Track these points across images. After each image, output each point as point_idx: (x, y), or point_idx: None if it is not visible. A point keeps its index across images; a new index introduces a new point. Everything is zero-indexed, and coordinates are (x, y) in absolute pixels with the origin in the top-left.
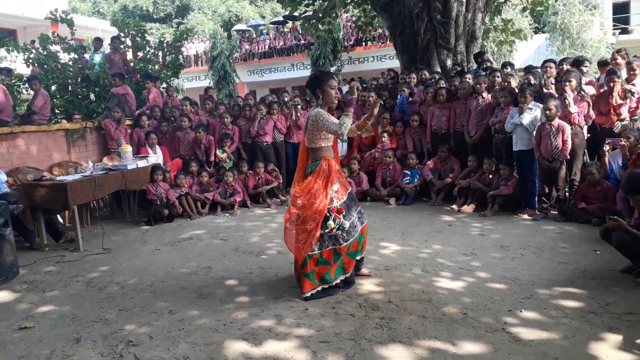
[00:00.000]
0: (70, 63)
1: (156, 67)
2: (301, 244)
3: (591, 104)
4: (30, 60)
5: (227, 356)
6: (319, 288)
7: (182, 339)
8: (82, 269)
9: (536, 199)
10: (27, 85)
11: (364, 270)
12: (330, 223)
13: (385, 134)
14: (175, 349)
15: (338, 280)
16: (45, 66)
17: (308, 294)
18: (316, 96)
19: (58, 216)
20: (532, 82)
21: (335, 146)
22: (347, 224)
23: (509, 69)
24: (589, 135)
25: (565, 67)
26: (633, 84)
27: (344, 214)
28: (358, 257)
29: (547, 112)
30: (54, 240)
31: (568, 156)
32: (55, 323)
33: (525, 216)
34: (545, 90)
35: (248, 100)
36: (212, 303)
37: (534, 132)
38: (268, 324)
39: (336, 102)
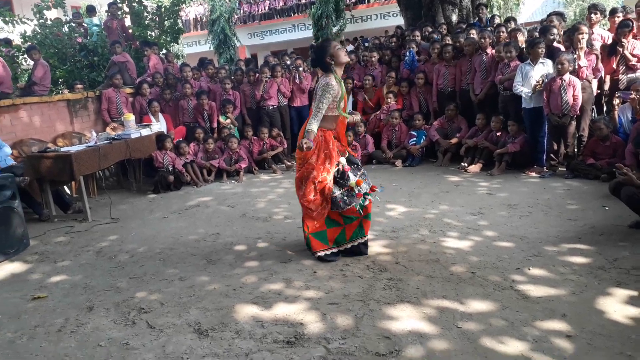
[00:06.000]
0: (66, 30)
1: (155, 32)
2: (309, 206)
3: (600, 57)
4: (28, 37)
5: (238, 320)
6: (335, 250)
7: (192, 305)
8: (91, 239)
9: (544, 155)
10: (26, 55)
11: None
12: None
13: (391, 95)
14: (186, 315)
15: (355, 243)
16: (47, 41)
17: (322, 254)
18: (327, 65)
19: (65, 187)
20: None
21: (343, 123)
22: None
23: (513, 24)
24: (597, 90)
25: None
26: None
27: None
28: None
29: (560, 66)
30: (62, 211)
31: (578, 111)
32: (67, 292)
33: (533, 174)
34: (555, 45)
35: (251, 65)
36: (221, 268)
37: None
38: (277, 288)
39: (348, 58)
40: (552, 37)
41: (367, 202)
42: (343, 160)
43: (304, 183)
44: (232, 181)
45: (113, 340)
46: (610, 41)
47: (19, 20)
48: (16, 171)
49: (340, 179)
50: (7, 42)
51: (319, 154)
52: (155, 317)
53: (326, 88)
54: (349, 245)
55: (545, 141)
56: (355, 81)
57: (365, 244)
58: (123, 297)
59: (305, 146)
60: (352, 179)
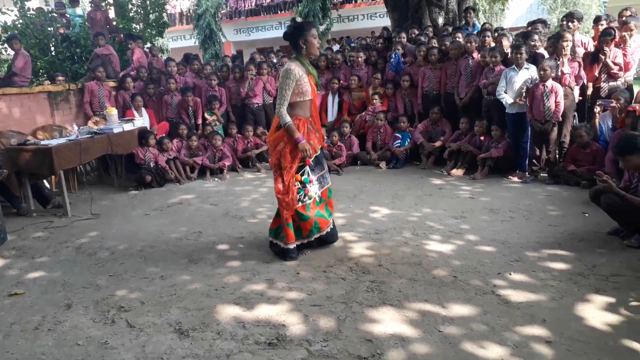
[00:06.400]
0: (48, 21)
1: (140, 25)
2: (285, 195)
3: (582, 65)
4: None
5: (220, 320)
6: (298, 242)
7: (173, 304)
8: (71, 235)
9: (527, 161)
10: (6, 45)
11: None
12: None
13: (377, 96)
14: (167, 314)
15: (312, 238)
16: (28, 31)
17: (292, 246)
18: (298, 47)
19: (45, 181)
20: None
21: (314, 105)
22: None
23: (499, 32)
24: (580, 98)
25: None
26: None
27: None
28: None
29: (542, 72)
30: (41, 205)
31: (560, 118)
32: (45, 289)
33: (515, 179)
34: (537, 51)
35: (237, 61)
36: (203, 268)
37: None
38: (260, 288)
39: (318, 52)
40: (532, 43)
41: (306, 200)
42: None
43: (276, 172)
44: (216, 179)
45: (91, 339)
46: (591, 47)
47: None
48: None
49: (298, 171)
50: None
51: (289, 143)
52: (135, 316)
53: (286, 74)
54: (306, 240)
55: (527, 146)
56: (341, 81)
57: (320, 240)
58: (102, 295)
59: (305, 149)
60: (311, 175)
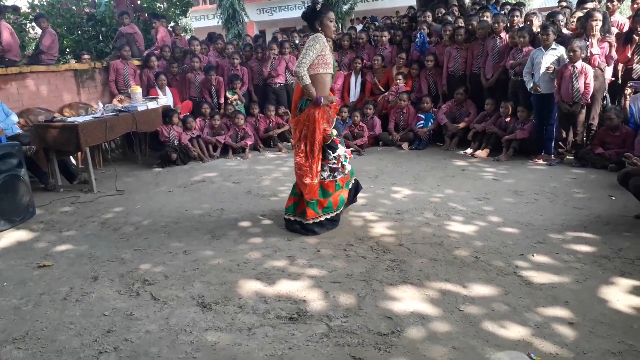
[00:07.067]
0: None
1: (164, 5)
2: (308, 172)
3: (614, 45)
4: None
5: (241, 295)
6: (322, 218)
7: (196, 278)
8: (96, 210)
9: (553, 143)
10: (33, 23)
11: None
12: (331, 154)
13: (400, 76)
14: (190, 288)
15: (339, 211)
16: (54, 10)
17: (310, 221)
18: (315, 29)
19: (71, 158)
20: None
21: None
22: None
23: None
24: (612, 78)
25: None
26: None
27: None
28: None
29: (572, 53)
30: (68, 181)
31: (589, 100)
32: (72, 262)
33: (541, 161)
34: (566, 31)
35: (259, 41)
36: (225, 244)
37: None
38: (281, 265)
39: (334, 36)
40: (561, 23)
41: (347, 170)
42: (334, 132)
43: (299, 147)
44: (238, 158)
45: (117, 310)
46: (625, 28)
47: None
48: (23, 140)
49: (329, 148)
50: (15, 9)
51: (308, 125)
52: (159, 289)
53: (315, 39)
54: (335, 214)
55: (554, 129)
56: (364, 61)
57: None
58: (127, 269)
59: (325, 102)
60: (341, 150)
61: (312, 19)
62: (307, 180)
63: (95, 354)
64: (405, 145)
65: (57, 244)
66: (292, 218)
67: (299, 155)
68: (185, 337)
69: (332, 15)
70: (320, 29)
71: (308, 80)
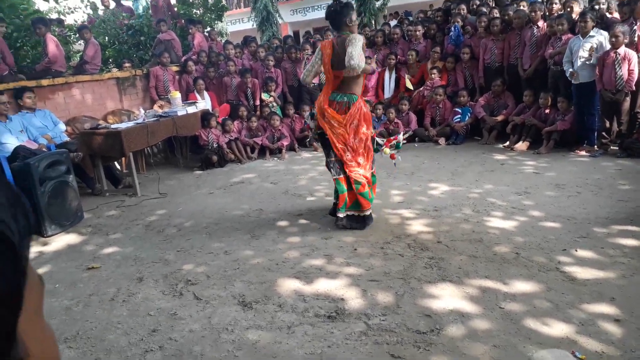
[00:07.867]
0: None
1: (199, 10)
2: (364, 165)
3: None
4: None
5: (281, 293)
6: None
7: (237, 278)
8: (141, 213)
9: (595, 134)
10: (77, 35)
11: None
12: (386, 150)
13: (435, 70)
14: (231, 287)
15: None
16: (96, 23)
17: (368, 212)
18: (343, 26)
19: (116, 163)
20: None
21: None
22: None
23: None
24: None
25: None
26: None
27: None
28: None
29: (614, 38)
30: (113, 186)
31: (634, 87)
32: (119, 263)
33: (583, 152)
34: (609, 15)
35: (288, 41)
36: (264, 243)
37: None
38: (319, 263)
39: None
40: (602, 6)
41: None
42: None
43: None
44: (275, 158)
45: (162, 310)
46: None
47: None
48: (70, 147)
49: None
50: (60, 22)
51: (360, 120)
52: (201, 289)
53: (360, 39)
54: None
55: (596, 118)
56: (398, 56)
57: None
58: (171, 269)
59: (371, 67)
60: (381, 142)
61: (341, 15)
62: (367, 172)
63: (142, 352)
64: (442, 140)
65: (105, 246)
66: (348, 213)
67: (359, 152)
68: (227, 336)
69: (355, 14)
70: (350, 25)
71: (364, 64)
